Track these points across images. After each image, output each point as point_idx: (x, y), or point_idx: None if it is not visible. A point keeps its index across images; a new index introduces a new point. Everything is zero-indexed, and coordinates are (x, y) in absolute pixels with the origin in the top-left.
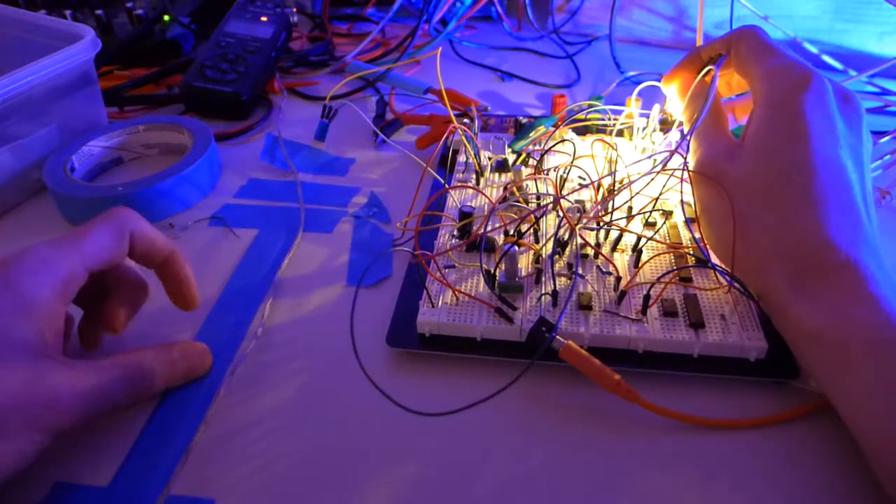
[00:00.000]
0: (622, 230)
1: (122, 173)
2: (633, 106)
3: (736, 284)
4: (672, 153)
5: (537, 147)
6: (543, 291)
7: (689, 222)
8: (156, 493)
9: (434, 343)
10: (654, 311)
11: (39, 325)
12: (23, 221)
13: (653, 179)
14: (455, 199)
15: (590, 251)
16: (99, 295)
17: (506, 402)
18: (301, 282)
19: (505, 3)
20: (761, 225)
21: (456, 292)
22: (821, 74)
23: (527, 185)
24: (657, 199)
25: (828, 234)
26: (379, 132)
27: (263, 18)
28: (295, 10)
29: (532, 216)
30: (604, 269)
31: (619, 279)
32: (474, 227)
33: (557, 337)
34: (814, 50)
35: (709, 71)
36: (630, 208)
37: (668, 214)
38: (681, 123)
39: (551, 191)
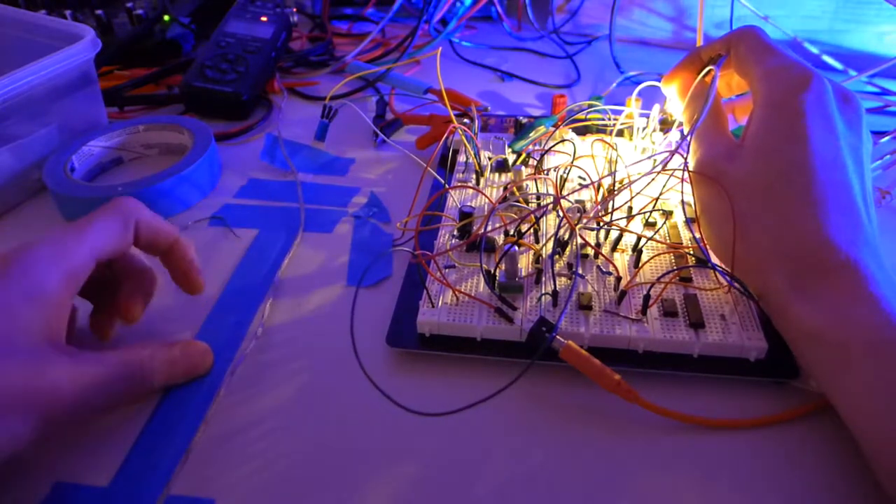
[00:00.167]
0: (622, 230)
1: (122, 173)
2: (633, 106)
3: (736, 284)
4: (672, 153)
5: (537, 147)
6: (543, 291)
7: (689, 222)
8: (156, 493)
9: (434, 343)
10: (654, 311)
11: (46, 314)
12: (23, 221)
13: (653, 180)
14: (455, 199)
15: (590, 251)
16: (108, 287)
17: (506, 402)
18: (301, 282)
19: (505, 3)
20: (761, 225)
21: (456, 292)
22: (820, 74)
23: (527, 185)
24: (657, 199)
25: (828, 234)
26: (379, 132)
27: (263, 18)
28: (295, 10)
29: (532, 216)
30: (604, 269)
31: (619, 279)
32: (474, 227)
33: (557, 337)
34: (814, 50)
35: (709, 71)
36: (630, 208)
37: (668, 214)
38: (681, 124)
39: (551, 191)
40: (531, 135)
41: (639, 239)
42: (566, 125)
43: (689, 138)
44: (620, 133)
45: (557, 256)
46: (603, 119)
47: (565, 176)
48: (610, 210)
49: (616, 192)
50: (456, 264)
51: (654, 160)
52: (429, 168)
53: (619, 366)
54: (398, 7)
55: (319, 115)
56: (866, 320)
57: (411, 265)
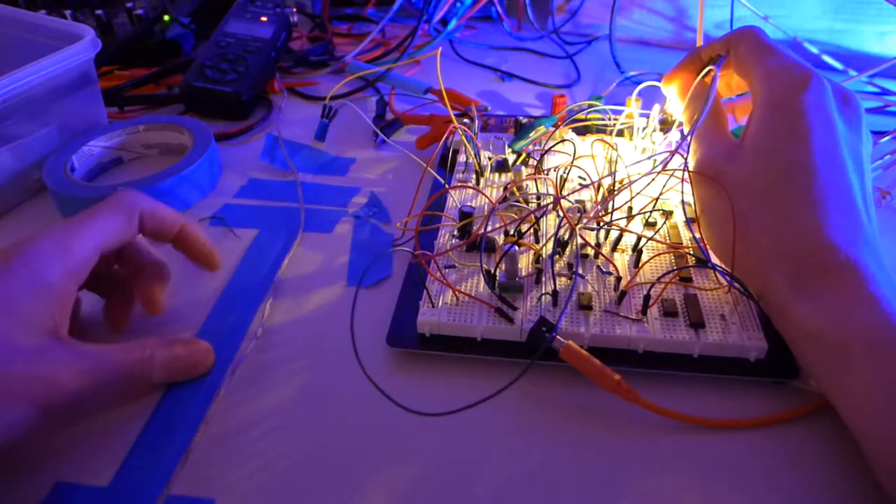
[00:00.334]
0: (622, 230)
1: (122, 173)
2: (633, 106)
3: (736, 284)
4: (672, 153)
5: (537, 147)
6: (543, 291)
7: (689, 222)
8: (156, 493)
9: (434, 343)
10: (654, 311)
11: (50, 305)
12: (23, 221)
13: (653, 180)
14: (455, 199)
15: (590, 251)
16: (121, 281)
17: (506, 402)
18: (301, 282)
19: (505, 3)
20: (761, 225)
21: (456, 292)
22: (820, 74)
23: (527, 185)
24: (657, 199)
25: (828, 234)
26: (379, 132)
27: (263, 18)
28: (295, 10)
29: (532, 216)
30: (604, 269)
31: (619, 279)
32: (474, 227)
33: (557, 337)
34: (814, 50)
35: (709, 71)
36: (630, 208)
37: (668, 214)
38: (681, 124)
39: (551, 191)
40: (531, 135)
41: (639, 239)
42: (566, 125)
43: (689, 138)
44: (620, 133)
45: (557, 256)
46: (603, 119)
47: (565, 176)
48: (610, 210)
49: (616, 192)
50: (456, 264)
51: (654, 160)
52: (429, 168)
53: (619, 366)
54: (398, 7)
55: (319, 115)
56: (866, 320)
57: (411, 265)
